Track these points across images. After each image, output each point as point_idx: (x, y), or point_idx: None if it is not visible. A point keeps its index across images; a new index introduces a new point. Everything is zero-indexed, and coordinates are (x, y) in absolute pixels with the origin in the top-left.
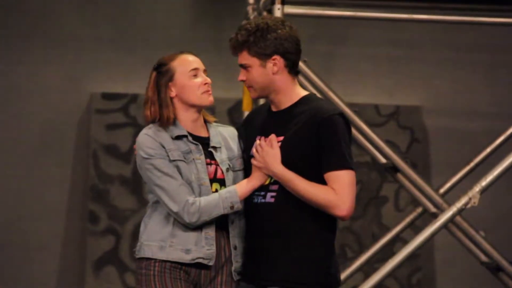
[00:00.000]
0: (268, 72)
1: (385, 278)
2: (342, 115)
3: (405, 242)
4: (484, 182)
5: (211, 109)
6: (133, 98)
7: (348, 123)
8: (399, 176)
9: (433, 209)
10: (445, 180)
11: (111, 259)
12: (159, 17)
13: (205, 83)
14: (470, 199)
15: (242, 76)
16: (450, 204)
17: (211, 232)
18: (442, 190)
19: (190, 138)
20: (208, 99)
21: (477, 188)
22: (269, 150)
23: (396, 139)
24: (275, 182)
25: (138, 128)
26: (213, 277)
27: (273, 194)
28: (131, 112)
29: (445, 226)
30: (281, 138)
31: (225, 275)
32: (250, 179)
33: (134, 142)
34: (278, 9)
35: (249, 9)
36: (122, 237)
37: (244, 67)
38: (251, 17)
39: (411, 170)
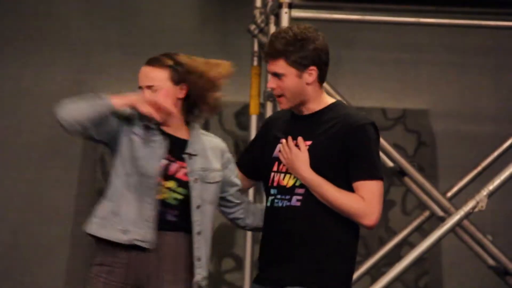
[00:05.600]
0: (303, 83)
1: (392, 282)
2: (373, 124)
3: (412, 246)
4: (491, 186)
5: (218, 113)
6: None
7: (378, 132)
8: (406, 179)
9: (440, 213)
10: (452, 184)
11: None
12: (166, 20)
13: None
14: (477, 202)
15: (272, 83)
16: (457, 208)
17: (150, 217)
18: (449, 194)
19: (157, 131)
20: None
21: (484, 192)
22: (298, 153)
23: (403, 143)
24: (301, 186)
25: None
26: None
27: (299, 198)
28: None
29: (452, 230)
30: (309, 142)
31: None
32: (127, 97)
33: None
34: (286, 13)
35: (256, 12)
36: None
37: (278, 75)
38: (258, 20)
39: (418, 173)
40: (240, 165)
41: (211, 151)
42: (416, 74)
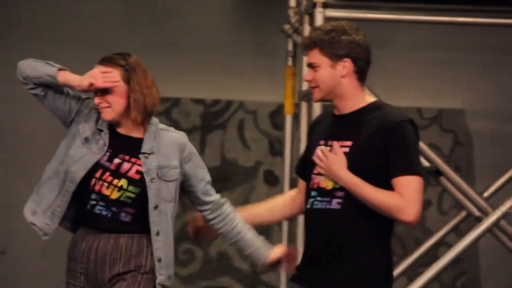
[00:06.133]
0: (337, 74)
1: (429, 282)
2: (412, 121)
3: (449, 246)
4: None
5: (253, 112)
6: (175, 102)
7: (417, 130)
8: (443, 179)
9: (477, 213)
10: (489, 184)
11: None
12: (201, 21)
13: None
14: None
15: (308, 75)
16: (494, 208)
17: (60, 209)
18: (486, 194)
19: (106, 135)
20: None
21: None
22: (333, 158)
23: (439, 143)
24: (341, 189)
25: None
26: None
27: (339, 200)
28: (173, 116)
29: (489, 230)
30: (349, 143)
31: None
32: (81, 77)
33: None
34: (320, 12)
35: (291, 12)
36: None
37: (313, 66)
38: (293, 20)
39: (455, 173)
40: (297, 171)
41: (169, 148)
42: (452, 74)
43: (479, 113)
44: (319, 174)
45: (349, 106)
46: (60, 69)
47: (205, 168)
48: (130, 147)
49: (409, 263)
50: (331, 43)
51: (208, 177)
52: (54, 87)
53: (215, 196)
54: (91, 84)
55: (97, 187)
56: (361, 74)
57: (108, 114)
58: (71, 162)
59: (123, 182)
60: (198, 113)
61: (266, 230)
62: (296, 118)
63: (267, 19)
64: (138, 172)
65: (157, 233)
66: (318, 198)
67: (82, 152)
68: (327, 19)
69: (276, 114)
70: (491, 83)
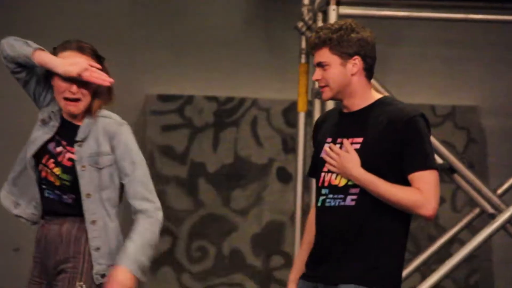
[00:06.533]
0: (347, 72)
1: (442, 279)
2: (423, 115)
3: (462, 243)
4: None
5: (266, 110)
6: (188, 99)
7: (429, 123)
8: (456, 176)
9: (490, 210)
10: (502, 181)
11: (167, 259)
12: (213, 18)
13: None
14: None
15: (317, 75)
16: (508, 204)
17: (38, 197)
18: (499, 191)
19: (57, 115)
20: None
21: None
22: (346, 156)
23: (453, 140)
24: (355, 185)
25: (194, 129)
26: (58, 277)
27: (354, 197)
28: (186, 113)
29: (503, 227)
30: (360, 139)
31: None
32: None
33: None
34: (333, 10)
35: (304, 10)
36: (178, 238)
37: (322, 65)
38: (306, 18)
39: (468, 170)
40: (310, 174)
41: (102, 134)
42: (465, 71)
43: (493, 110)
44: (328, 171)
45: (358, 104)
46: (37, 49)
47: (129, 161)
48: (67, 134)
49: (422, 260)
50: (341, 41)
51: (129, 173)
52: (36, 73)
53: (137, 204)
54: (79, 75)
55: (43, 173)
56: (369, 71)
57: (78, 108)
58: (29, 144)
59: (58, 170)
60: (212, 111)
61: (279, 227)
62: (309, 115)
63: (280, 17)
64: (70, 159)
65: (92, 222)
66: (330, 196)
67: (38, 134)
68: (340, 16)
69: (289, 112)
70: (504, 80)
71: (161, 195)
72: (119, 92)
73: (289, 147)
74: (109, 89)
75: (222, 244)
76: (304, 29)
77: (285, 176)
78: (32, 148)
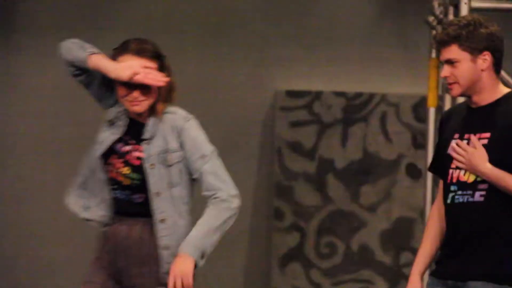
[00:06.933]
0: (477, 68)
1: None
2: None
3: None
4: None
5: (395, 105)
6: (317, 95)
7: None
8: None
9: None
10: None
11: (296, 255)
12: (342, 13)
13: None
14: None
15: (446, 72)
16: None
17: (109, 197)
18: None
19: (123, 115)
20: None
21: None
22: (474, 152)
23: None
24: (483, 181)
25: (322, 126)
26: (132, 274)
27: (483, 193)
28: (315, 109)
29: None
30: (487, 134)
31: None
32: (109, 62)
33: (318, 139)
34: (465, 3)
35: (435, 4)
36: (307, 234)
37: (451, 62)
38: (437, 12)
39: None
40: (432, 169)
41: (169, 131)
42: None
43: None
44: (457, 168)
45: (486, 99)
46: (92, 53)
47: (197, 157)
48: (134, 132)
49: None
50: (470, 37)
51: (199, 168)
52: (97, 76)
53: (210, 195)
54: (130, 79)
55: (111, 174)
56: (498, 66)
57: (142, 107)
58: (97, 146)
59: (127, 169)
60: (340, 106)
61: (409, 223)
62: (439, 110)
63: (410, 10)
64: (138, 158)
65: (162, 220)
66: (459, 192)
67: (105, 135)
68: (472, 9)
69: (419, 107)
70: None
71: (289, 191)
72: (248, 88)
73: (418, 142)
74: (170, 88)
75: (351, 240)
76: (434, 23)
77: (415, 172)
78: (100, 149)
